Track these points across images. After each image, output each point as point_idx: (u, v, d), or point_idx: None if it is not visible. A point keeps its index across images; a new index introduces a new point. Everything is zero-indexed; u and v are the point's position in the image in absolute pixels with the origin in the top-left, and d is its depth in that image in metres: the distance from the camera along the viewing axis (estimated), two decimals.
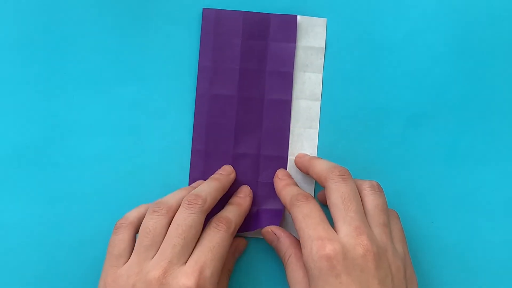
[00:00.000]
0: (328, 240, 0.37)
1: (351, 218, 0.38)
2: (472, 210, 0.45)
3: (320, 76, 0.45)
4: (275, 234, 0.43)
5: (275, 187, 0.44)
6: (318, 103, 0.45)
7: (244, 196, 0.44)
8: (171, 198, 0.41)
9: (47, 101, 0.45)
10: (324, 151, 0.45)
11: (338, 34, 0.46)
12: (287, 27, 0.45)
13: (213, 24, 0.45)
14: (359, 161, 0.45)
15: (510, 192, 0.45)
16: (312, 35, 0.45)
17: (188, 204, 0.39)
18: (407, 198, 0.45)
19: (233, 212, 0.42)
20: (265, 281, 0.45)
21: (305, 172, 0.44)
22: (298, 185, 0.44)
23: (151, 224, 0.39)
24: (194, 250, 0.39)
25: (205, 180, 0.44)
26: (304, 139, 0.45)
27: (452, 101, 0.46)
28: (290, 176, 0.44)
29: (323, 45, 0.45)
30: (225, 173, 0.44)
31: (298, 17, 0.45)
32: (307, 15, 0.46)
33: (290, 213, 0.40)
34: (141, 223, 0.40)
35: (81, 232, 0.44)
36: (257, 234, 0.45)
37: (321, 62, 0.45)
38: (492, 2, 0.46)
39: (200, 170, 0.45)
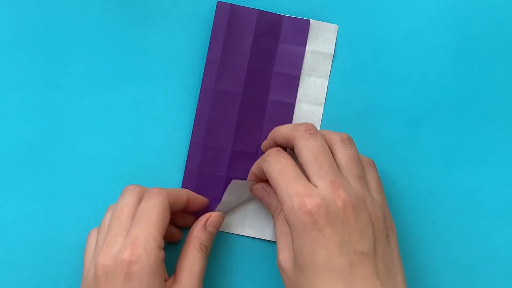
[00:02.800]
0: (308, 196, 0.37)
1: (325, 173, 0.38)
2: (472, 210, 0.45)
3: (326, 82, 0.45)
4: (265, 190, 0.43)
5: (254, 167, 0.44)
6: (321, 108, 0.45)
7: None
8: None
9: (47, 101, 0.45)
10: None
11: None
12: (299, 30, 0.45)
13: (227, 18, 0.45)
14: None
15: (510, 192, 0.46)
16: (321, 40, 0.45)
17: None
18: (407, 198, 0.45)
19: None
20: (265, 281, 0.45)
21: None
22: None
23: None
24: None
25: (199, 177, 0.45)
26: None
27: (452, 101, 0.46)
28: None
29: (332, 51, 0.45)
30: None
31: (310, 21, 0.45)
32: (319, 20, 0.45)
33: (263, 169, 0.40)
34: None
35: (81, 232, 0.44)
36: (255, 234, 0.45)
37: (328, 67, 0.45)
38: (492, 2, 0.46)
39: (196, 164, 0.45)
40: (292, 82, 0.45)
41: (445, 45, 0.46)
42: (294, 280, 0.38)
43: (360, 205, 0.38)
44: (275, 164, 0.39)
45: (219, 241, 0.45)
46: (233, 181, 0.44)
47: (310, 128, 0.40)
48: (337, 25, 0.45)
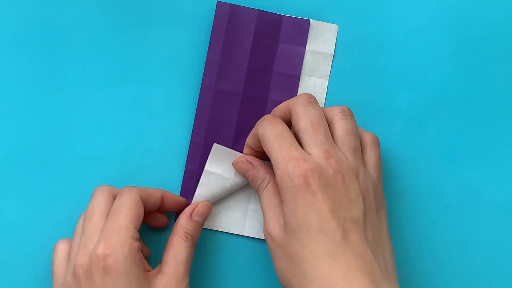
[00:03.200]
0: (303, 160, 0.38)
1: (320, 141, 0.39)
2: (472, 210, 0.45)
3: (326, 82, 0.45)
4: (250, 163, 0.43)
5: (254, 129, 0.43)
6: None
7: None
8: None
9: (47, 101, 0.45)
10: None
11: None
12: (299, 30, 0.45)
13: (226, 18, 0.45)
14: None
15: (510, 192, 0.46)
16: (321, 40, 0.45)
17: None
18: (407, 198, 0.45)
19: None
20: (265, 281, 0.45)
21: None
22: None
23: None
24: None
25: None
26: None
27: (452, 101, 0.46)
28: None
29: (332, 51, 0.45)
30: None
31: (311, 21, 0.45)
32: (320, 20, 0.45)
33: (259, 133, 0.41)
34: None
35: None
36: (255, 234, 0.45)
37: (328, 68, 0.45)
38: (492, 2, 0.46)
39: (196, 163, 0.45)
40: (292, 82, 0.45)
41: (445, 45, 0.46)
42: (284, 246, 0.38)
43: (351, 176, 0.38)
44: (271, 128, 0.40)
45: (219, 241, 0.45)
46: (215, 145, 0.44)
47: (310, 97, 0.40)
48: (337, 25, 0.45)
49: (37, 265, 0.44)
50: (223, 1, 0.45)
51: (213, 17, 0.45)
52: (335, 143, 0.40)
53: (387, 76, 0.46)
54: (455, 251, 0.45)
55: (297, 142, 0.39)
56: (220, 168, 0.44)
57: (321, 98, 0.45)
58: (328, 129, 0.40)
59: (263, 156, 0.43)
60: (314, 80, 0.45)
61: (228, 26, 0.45)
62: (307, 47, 0.45)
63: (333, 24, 0.45)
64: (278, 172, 0.38)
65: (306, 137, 0.39)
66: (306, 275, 0.37)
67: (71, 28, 0.45)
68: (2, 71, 0.45)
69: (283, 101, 0.45)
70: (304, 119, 0.39)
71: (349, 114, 0.41)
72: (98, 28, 0.45)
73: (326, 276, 0.36)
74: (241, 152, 0.44)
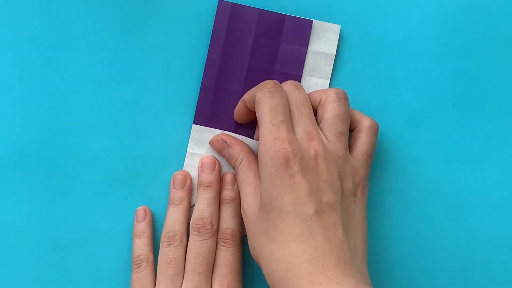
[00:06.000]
0: (289, 142, 0.38)
1: (304, 123, 0.39)
2: (472, 210, 0.46)
3: (327, 82, 0.45)
4: (225, 141, 0.44)
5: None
6: None
7: (231, 186, 0.44)
8: (176, 225, 0.43)
9: (47, 101, 0.44)
10: None
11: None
12: (301, 30, 0.45)
13: (228, 17, 0.44)
14: None
15: (510, 192, 0.46)
16: (323, 40, 0.45)
17: (199, 232, 0.42)
18: (407, 198, 0.46)
19: (231, 218, 0.44)
20: (265, 281, 0.45)
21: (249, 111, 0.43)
22: None
23: (171, 255, 0.42)
24: (214, 273, 0.43)
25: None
26: None
27: (452, 101, 0.46)
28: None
29: (334, 51, 0.45)
30: (210, 172, 0.44)
31: (313, 21, 0.45)
32: (322, 20, 0.45)
33: (255, 98, 0.41)
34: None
35: (81, 232, 0.45)
36: None
37: (329, 68, 0.45)
38: (492, 2, 0.45)
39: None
40: None
41: (445, 45, 0.46)
42: (258, 223, 0.39)
43: (331, 160, 0.39)
44: (269, 99, 0.40)
45: None
46: (194, 126, 0.45)
47: (296, 83, 0.41)
48: (339, 26, 0.45)
49: (37, 265, 0.44)
50: (225, 0, 0.44)
51: (214, 16, 0.45)
52: (322, 125, 0.40)
53: (388, 77, 0.46)
54: (455, 251, 0.46)
55: (289, 121, 0.39)
56: (202, 149, 0.45)
57: None
58: (312, 112, 0.40)
59: (254, 115, 0.42)
60: (315, 81, 0.45)
61: (229, 25, 0.45)
62: (309, 47, 0.45)
63: (336, 25, 0.45)
64: (261, 147, 0.39)
65: (293, 118, 0.40)
66: (273, 254, 0.38)
67: (71, 28, 0.45)
68: (2, 71, 0.44)
69: None
70: (291, 101, 0.40)
71: (343, 97, 0.41)
72: (98, 28, 0.45)
73: (292, 256, 0.37)
74: (221, 129, 0.45)
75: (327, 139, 0.40)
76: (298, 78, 0.45)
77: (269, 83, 0.40)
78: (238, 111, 0.44)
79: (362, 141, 0.42)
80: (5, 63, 0.44)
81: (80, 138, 0.45)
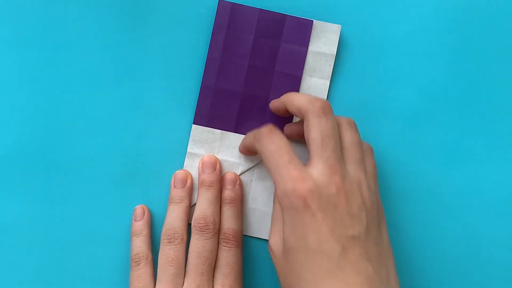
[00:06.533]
0: (302, 180, 0.37)
1: (327, 156, 0.38)
2: (472, 210, 0.46)
3: (327, 83, 0.45)
4: None
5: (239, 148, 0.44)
6: None
7: (232, 186, 0.44)
8: (176, 223, 0.43)
9: (47, 101, 0.44)
10: None
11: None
12: (301, 30, 0.45)
13: (228, 17, 0.44)
14: None
15: (510, 192, 0.46)
16: (323, 40, 0.45)
17: (201, 231, 0.42)
18: (407, 198, 0.46)
19: (233, 218, 0.43)
20: (264, 281, 0.46)
21: (282, 112, 0.43)
22: None
23: (172, 254, 0.42)
24: (216, 273, 0.42)
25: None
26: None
27: (452, 101, 0.46)
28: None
29: (334, 51, 0.45)
30: (211, 172, 0.44)
31: (313, 21, 0.45)
32: (322, 20, 0.45)
33: (257, 149, 0.40)
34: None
35: (81, 232, 0.45)
36: (255, 234, 0.45)
37: (330, 68, 0.45)
38: (492, 2, 0.45)
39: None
40: (293, 82, 0.45)
41: (445, 45, 0.46)
42: (284, 263, 0.38)
43: (355, 191, 0.38)
44: (268, 144, 0.39)
45: None
46: (194, 126, 0.45)
47: (325, 106, 0.39)
48: (339, 25, 0.45)
49: (37, 264, 0.44)
50: (225, 0, 0.44)
51: (214, 16, 0.45)
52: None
53: (388, 77, 0.46)
54: (455, 251, 0.46)
55: (296, 158, 0.38)
56: (202, 149, 0.45)
57: None
58: (339, 143, 0.39)
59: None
60: (316, 81, 0.45)
61: (229, 25, 0.44)
62: (309, 48, 0.45)
63: (336, 25, 0.45)
64: (277, 191, 0.38)
65: (314, 150, 0.38)
66: None
67: (71, 28, 0.45)
68: (2, 71, 0.44)
69: None
70: (315, 130, 0.38)
71: (355, 126, 0.41)
72: (98, 28, 0.45)
73: None
74: (221, 129, 0.45)
75: (348, 169, 0.39)
76: (298, 78, 0.45)
77: (264, 130, 0.40)
78: (242, 150, 0.44)
79: (367, 164, 0.41)
80: (5, 63, 0.44)
81: (80, 138, 0.45)
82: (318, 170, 0.38)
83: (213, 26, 0.44)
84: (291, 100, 0.41)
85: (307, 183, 0.37)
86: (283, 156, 0.38)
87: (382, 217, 0.40)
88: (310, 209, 0.37)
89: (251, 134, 0.42)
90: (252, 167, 0.45)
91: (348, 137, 0.40)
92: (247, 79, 0.45)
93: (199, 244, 0.42)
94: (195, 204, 0.44)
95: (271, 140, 0.39)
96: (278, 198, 0.38)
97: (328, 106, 0.39)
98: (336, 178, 0.37)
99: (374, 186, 0.40)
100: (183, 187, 0.44)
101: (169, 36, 0.45)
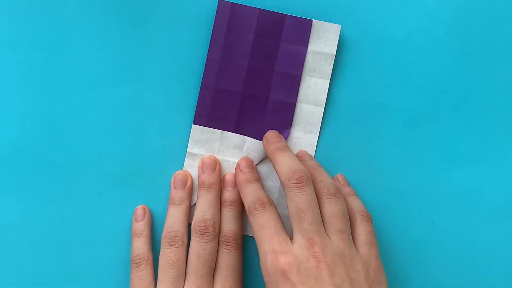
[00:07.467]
0: (282, 254, 0.38)
1: (304, 229, 0.39)
2: (472, 210, 0.46)
3: (327, 82, 0.45)
4: None
5: (235, 178, 0.44)
6: (321, 109, 0.45)
7: (232, 188, 0.44)
8: (177, 225, 0.43)
9: (47, 101, 0.44)
10: (322, 155, 0.45)
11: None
12: (301, 30, 0.45)
13: (228, 17, 0.44)
14: (358, 162, 0.45)
15: (510, 192, 0.46)
16: (323, 40, 0.45)
17: (201, 234, 0.42)
18: (407, 198, 0.46)
19: (233, 220, 0.43)
20: (263, 283, 0.45)
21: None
22: (260, 181, 0.44)
23: (173, 256, 0.42)
24: (216, 275, 0.42)
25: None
26: (302, 143, 0.45)
27: (452, 101, 0.46)
28: (252, 167, 0.45)
29: (334, 51, 0.45)
30: (211, 173, 0.44)
31: (313, 21, 0.45)
32: (322, 20, 0.45)
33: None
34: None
35: (81, 232, 0.45)
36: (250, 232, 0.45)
37: (329, 68, 0.45)
38: (492, 2, 0.45)
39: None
40: (293, 82, 0.45)
41: (445, 45, 0.46)
42: None
43: (337, 262, 0.38)
44: (258, 218, 0.40)
45: None
46: (194, 126, 0.45)
47: (301, 180, 0.40)
48: (339, 25, 0.45)
49: (37, 264, 0.44)
50: (225, 0, 0.44)
51: (214, 16, 0.45)
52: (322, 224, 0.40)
53: (388, 77, 0.46)
54: (455, 251, 0.46)
55: (281, 231, 0.39)
56: (202, 149, 0.45)
57: (321, 99, 0.45)
58: (317, 213, 0.39)
59: None
60: (315, 81, 0.45)
61: (229, 25, 0.45)
62: (309, 47, 0.45)
63: (336, 24, 0.45)
64: (261, 263, 0.39)
65: (293, 223, 0.39)
66: None
67: (71, 28, 0.45)
68: (2, 71, 0.44)
69: (283, 101, 0.45)
70: (291, 205, 0.39)
71: (335, 196, 0.41)
72: (98, 28, 0.45)
73: None
74: (221, 129, 0.45)
75: (330, 239, 0.39)
76: (298, 78, 0.45)
77: (256, 204, 0.41)
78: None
79: (361, 232, 0.41)
80: (6, 63, 0.44)
81: (80, 138, 0.45)
82: (297, 243, 0.39)
83: (213, 26, 0.45)
84: (275, 162, 0.42)
85: (286, 256, 0.38)
86: (269, 228, 0.39)
87: (379, 284, 0.40)
88: (290, 282, 0.37)
89: (247, 198, 0.42)
90: None
91: (326, 208, 0.40)
92: (247, 79, 0.45)
93: (199, 247, 0.42)
94: (195, 204, 0.44)
95: (262, 214, 0.40)
96: (262, 271, 0.39)
97: (304, 178, 0.40)
98: (315, 249, 0.38)
99: (367, 253, 0.40)
100: (183, 187, 0.44)
101: (169, 36, 0.45)
